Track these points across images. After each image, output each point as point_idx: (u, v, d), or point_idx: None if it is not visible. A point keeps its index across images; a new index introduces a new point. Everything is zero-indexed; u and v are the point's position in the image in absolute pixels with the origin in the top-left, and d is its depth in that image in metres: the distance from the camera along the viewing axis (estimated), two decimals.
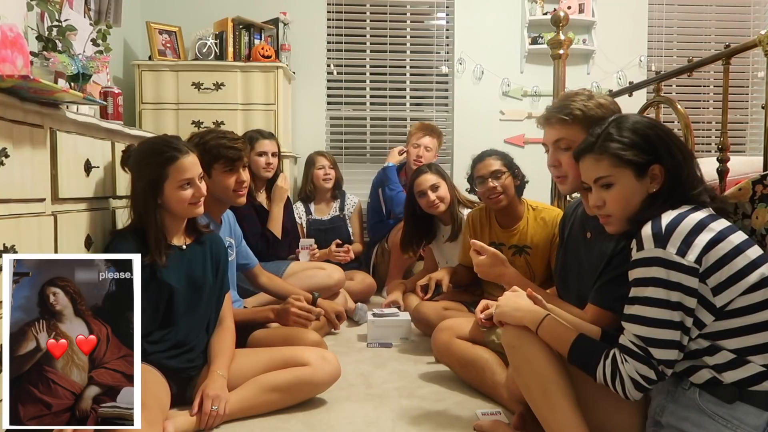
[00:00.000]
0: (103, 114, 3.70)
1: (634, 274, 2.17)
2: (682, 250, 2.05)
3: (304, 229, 6.28)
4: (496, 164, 4.08)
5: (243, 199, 3.86)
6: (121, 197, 3.54)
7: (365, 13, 7.55)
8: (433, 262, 5.33)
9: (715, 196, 2.30)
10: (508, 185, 4.05)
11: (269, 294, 4.34)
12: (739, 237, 2.10)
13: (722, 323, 2.08)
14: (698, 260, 2.04)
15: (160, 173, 3.04)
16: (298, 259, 5.49)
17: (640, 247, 2.14)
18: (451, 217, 4.88)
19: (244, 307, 4.17)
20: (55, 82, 3.38)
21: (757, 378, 2.05)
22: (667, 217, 2.13)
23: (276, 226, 5.25)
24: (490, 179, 4.05)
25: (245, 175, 3.81)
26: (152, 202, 3.06)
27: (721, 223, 2.12)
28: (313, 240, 5.79)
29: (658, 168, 2.26)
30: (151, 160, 3.08)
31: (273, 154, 5.34)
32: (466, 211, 4.79)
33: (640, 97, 5.46)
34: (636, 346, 2.12)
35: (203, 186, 3.17)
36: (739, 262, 2.05)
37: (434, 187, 4.78)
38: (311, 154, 6.55)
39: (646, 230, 2.13)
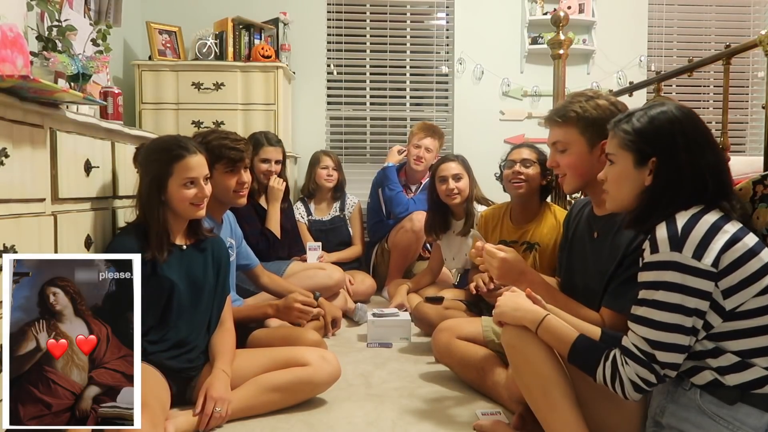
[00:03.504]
0: (103, 114, 3.70)
1: (647, 276, 2.14)
2: (699, 254, 2.03)
3: (308, 229, 6.28)
4: (530, 155, 4.07)
5: (244, 200, 3.87)
6: (121, 197, 3.54)
7: (365, 13, 7.54)
8: (438, 261, 5.33)
9: (742, 204, 2.27)
10: (533, 176, 4.05)
11: (272, 294, 4.33)
12: (752, 239, 2.09)
13: (729, 324, 2.07)
14: (715, 263, 2.02)
15: (165, 170, 3.07)
16: (306, 261, 5.53)
17: (655, 250, 2.11)
18: (465, 212, 4.89)
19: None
20: (55, 82, 3.38)
21: (760, 381, 2.05)
22: (681, 219, 2.10)
23: (274, 226, 5.26)
24: (518, 164, 4.05)
25: (246, 176, 3.83)
26: (156, 198, 3.07)
27: (735, 225, 2.10)
28: (320, 244, 5.84)
29: (653, 162, 2.25)
30: (158, 156, 3.11)
31: (276, 162, 5.35)
32: (481, 208, 4.80)
33: (641, 97, 5.47)
34: (638, 349, 2.11)
35: (208, 188, 3.19)
36: (754, 264, 2.04)
37: (456, 177, 4.81)
38: (317, 152, 6.57)
39: (661, 232, 2.10)
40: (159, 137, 3.37)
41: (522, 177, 3.99)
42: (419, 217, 5.64)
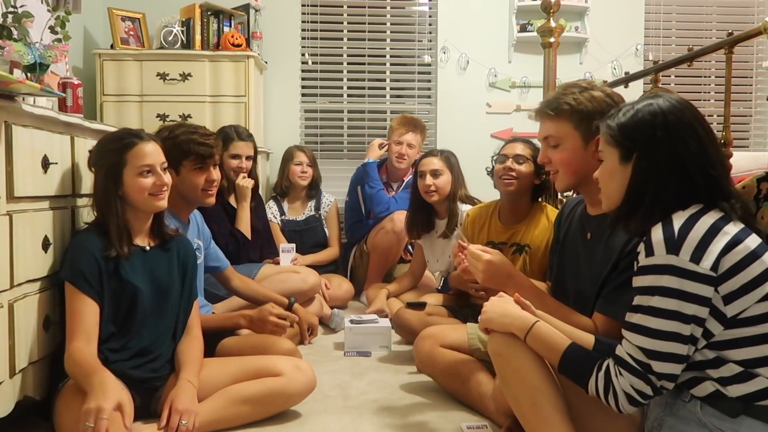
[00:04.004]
0: (62, 107, 3.68)
1: (642, 281, 2.12)
2: (697, 257, 2.00)
3: (281, 229, 6.26)
4: (523, 151, 4.05)
5: (212, 199, 3.86)
6: (81, 195, 3.52)
7: None
8: (420, 264, 5.34)
9: (743, 204, 2.24)
10: (525, 174, 4.02)
11: (243, 298, 4.34)
12: (754, 241, 2.07)
13: (731, 332, 2.05)
14: (714, 267, 1.99)
15: (119, 160, 3.06)
16: (278, 263, 5.51)
17: (650, 253, 2.09)
18: (448, 212, 4.90)
19: (213, 313, 4.15)
20: (10, 72, 3.37)
21: (765, 392, 2.03)
22: (678, 220, 2.09)
23: (244, 226, 5.26)
24: (510, 159, 4.02)
25: (216, 173, 3.82)
26: (112, 192, 3.07)
27: (736, 226, 2.08)
28: (294, 245, 5.83)
29: (634, 157, 2.24)
30: (110, 148, 3.12)
31: (248, 158, 5.36)
32: (465, 208, 4.81)
33: (637, 88, 5.50)
34: (633, 359, 2.09)
35: (167, 176, 3.18)
36: (756, 268, 2.02)
37: (435, 173, 4.84)
38: (290, 147, 6.56)
39: (657, 234, 2.09)
40: (110, 132, 3.36)
41: (513, 174, 3.96)
42: (401, 217, 5.62)
